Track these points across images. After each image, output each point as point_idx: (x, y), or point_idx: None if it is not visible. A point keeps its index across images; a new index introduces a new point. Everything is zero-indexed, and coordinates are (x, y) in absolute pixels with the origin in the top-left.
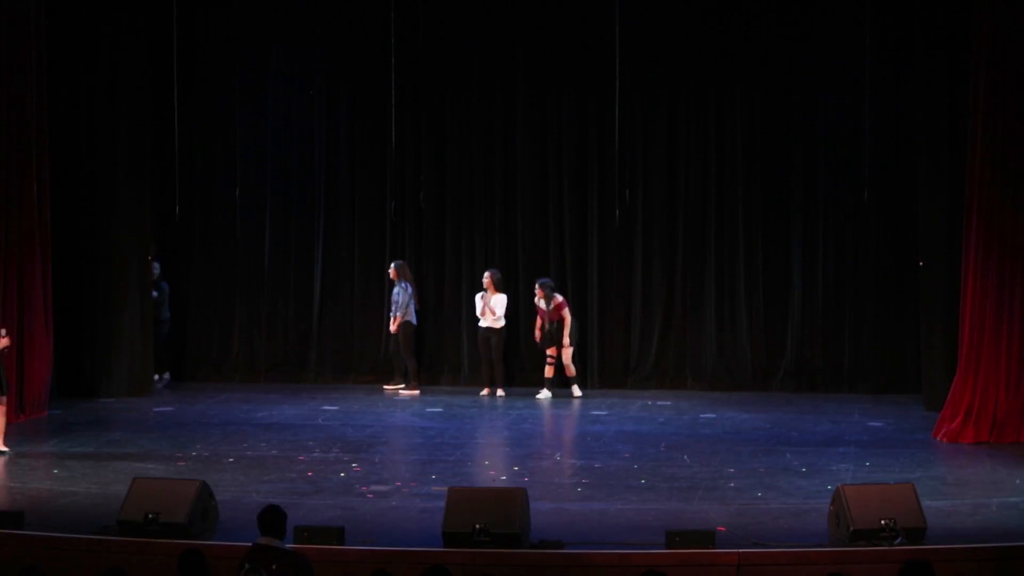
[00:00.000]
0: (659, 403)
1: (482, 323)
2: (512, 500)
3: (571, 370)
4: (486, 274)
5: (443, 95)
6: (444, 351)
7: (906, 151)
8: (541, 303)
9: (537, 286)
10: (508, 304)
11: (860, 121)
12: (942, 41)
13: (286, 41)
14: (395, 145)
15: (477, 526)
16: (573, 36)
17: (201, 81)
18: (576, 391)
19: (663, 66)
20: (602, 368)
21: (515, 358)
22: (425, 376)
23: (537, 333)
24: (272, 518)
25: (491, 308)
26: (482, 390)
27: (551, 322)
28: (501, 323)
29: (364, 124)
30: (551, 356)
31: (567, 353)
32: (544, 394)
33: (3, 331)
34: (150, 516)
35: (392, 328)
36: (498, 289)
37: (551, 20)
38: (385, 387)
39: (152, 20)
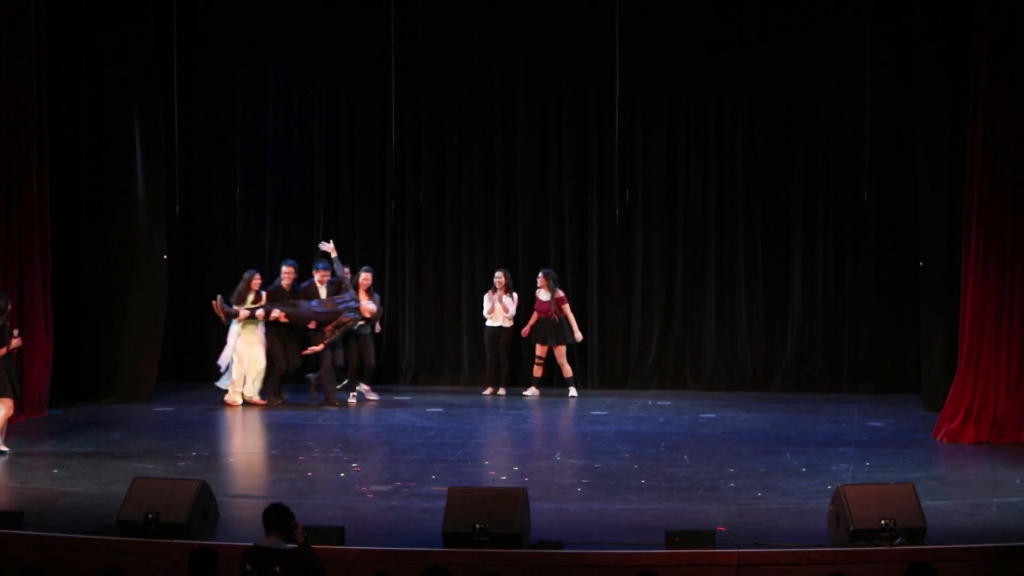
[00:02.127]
0: (659, 403)
1: (491, 323)
2: (512, 500)
3: (567, 370)
4: (499, 274)
5: (443, 95)
6: (444, 351)
7: (906, 151)
8: (542, 293)
9: (541, 275)
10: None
11: (860, 121)
12: (942, 41)
13: (286, 41)
14: (395, 145)
15: (477, 526)
16: (573, 36)
17: (201, 81)
18: (573, 391)
19: (663, 66)
20: (602, 368)
21: (516, 358)
22: (425, 376)
23: (526, 328)
24: (277, 515)
25: (504, 306)
26: (485, 389)
27: (547, 317)
28: (511, 323)
29: (364, 124)
30: (540, 357)
31: (561, 351)
32: (532, 392)
33: (15, 331)
34: (150, 516)
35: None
36: (508, 290)
37: (551, 19)
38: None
39: (152, 18)
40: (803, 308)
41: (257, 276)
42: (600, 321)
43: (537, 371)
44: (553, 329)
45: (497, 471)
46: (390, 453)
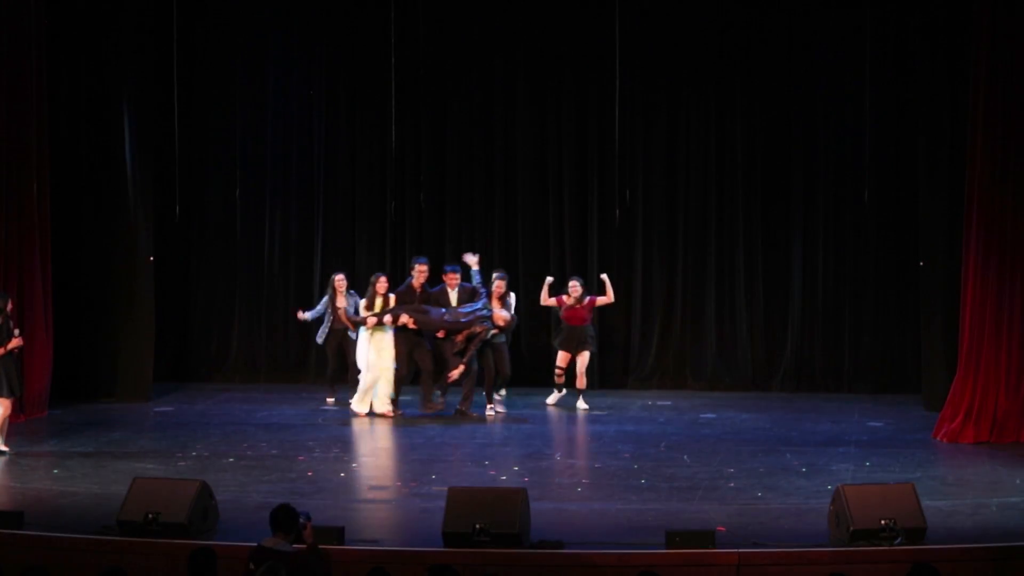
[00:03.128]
0: (659, 403)
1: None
2: (512, 500)
3: (583, 380)
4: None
5: (443, 95)
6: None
7: (906, 151)
8: (571, 299)
9: (576, 282)
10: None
11: (860, 121)
12: (942, 40)
13: (286, 40)
14: (395, 145)
15: (477, 526)
16: (573, 36)
17: (201, 81)
18: (583, 404)
19: (663, 66)
20: (602, 368)
21: (516, 359)
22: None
23: (545, 294)
24: (283, 516)
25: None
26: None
27: (578, 326)
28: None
29: (364, 124)
30: (561, 367)
31: (584, 359)
32: (555, 396)
33: (16, 331)
34: (150, 516)
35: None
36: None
37: (551, 19)
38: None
39: (152, 19)
40: (803, 308)
41: (383, 279)
42: (600, 321)
43: (559, 379)
44: (581, 335)
45: (497, 471)
46: (390, 453)
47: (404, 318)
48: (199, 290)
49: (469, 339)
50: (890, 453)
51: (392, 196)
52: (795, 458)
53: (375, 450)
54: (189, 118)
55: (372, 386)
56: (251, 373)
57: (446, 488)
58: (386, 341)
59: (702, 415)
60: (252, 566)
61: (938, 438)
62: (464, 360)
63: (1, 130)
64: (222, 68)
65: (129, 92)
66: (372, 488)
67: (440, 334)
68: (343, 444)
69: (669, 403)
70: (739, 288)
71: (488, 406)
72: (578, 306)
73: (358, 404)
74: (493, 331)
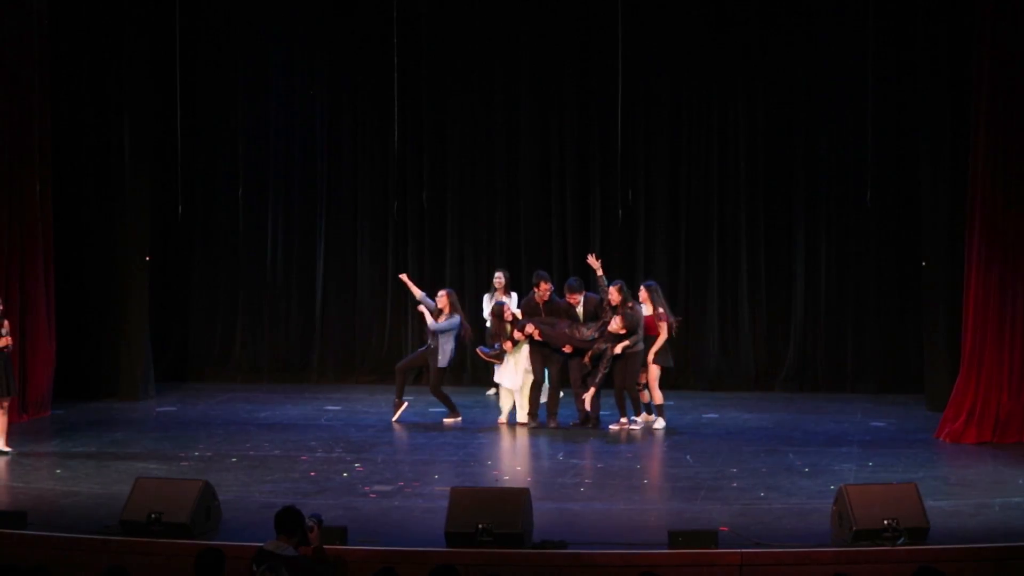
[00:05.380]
0: None
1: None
2: (515, 500)
3: (657, 395)
4: (498, 275)
5: (446, 94)
6: None
7: (908, 151)
8: (644, 309)
9: (643, 288)
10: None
11: (863, 121)
12: (944, 40)
13: (288, 40)
14: (397, 144)
15: (480, 526)
16: (576, 35)
17: (203, 80)
18: (660, 423)
19: (666, 66)
20: None
21: None
22: (428, 376)
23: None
24: (286, 519)
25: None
26: (488, 389)
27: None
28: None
29: (366, 123)
30: (639, 383)
31: (654, 374)
32: (644, 418)
33: (3, 331)
34: (153, 516)
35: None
36: (506, 290)
37: (554, 19)
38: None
39: (154, 20)
40: (806, 308)
41: (507, 307)
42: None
43: (642, 396)
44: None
45: (500, 471)
46: (392, 453)
47: (530, 327)
48: (202, 290)
49: (596, 359)
50: (893, 453)
51: (394, 195)
52: (798, 458)
53: (377, 450)
54: (192, 118)
55: (524, 395)
56: (253, 373)
57: (449, 488)
58: (521, 355)
59: (704, 415)
60: (255, 568)
61: (941, 438)
62: (595, 382)
63: (3, 130)
64: (225, 68)
65: (130, 91)
66: (375, 488)
67: (567, 349)
68: (345, 444)
69: (671, 403)
70: (742, 287)
71: (633, 418)
72: (648, 314)
73: (521, 416)
74: (624, 343)
